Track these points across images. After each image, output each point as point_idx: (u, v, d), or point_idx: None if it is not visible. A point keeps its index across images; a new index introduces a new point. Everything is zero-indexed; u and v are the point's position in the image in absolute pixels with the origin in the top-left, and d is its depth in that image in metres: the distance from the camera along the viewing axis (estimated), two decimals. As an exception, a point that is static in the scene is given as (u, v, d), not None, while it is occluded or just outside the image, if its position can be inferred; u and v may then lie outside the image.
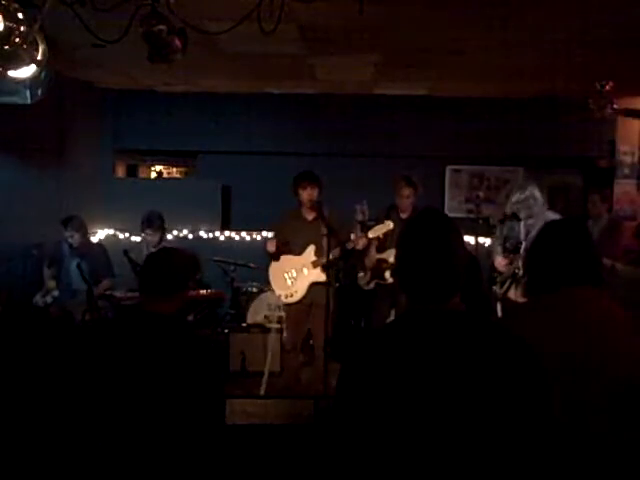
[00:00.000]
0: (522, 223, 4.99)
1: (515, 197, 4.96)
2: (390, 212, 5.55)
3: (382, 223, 5.15)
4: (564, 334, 1.98)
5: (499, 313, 4.99)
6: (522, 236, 4.97)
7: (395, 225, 5.12)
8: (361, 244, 5.17)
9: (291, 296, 5.22)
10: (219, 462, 2.43)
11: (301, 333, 5.46)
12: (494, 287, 5.07)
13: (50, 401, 3.40)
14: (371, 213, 5.77)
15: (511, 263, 5.00)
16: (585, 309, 2.05)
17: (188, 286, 2.65)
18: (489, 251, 5.46)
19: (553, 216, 4.95)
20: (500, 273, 5.12)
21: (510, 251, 5.06)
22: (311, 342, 5.62)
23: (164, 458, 2.35)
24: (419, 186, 5.48)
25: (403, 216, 5.45)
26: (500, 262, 5.15)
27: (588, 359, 1.95)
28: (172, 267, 2.57)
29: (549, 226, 2.30)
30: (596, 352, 1.96)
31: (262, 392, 5.33)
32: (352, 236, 5.59)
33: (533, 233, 4.87)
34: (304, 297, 5.20)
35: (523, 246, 4.89)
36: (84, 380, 2.49)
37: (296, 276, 5.21)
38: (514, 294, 4.97)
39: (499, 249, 5.23)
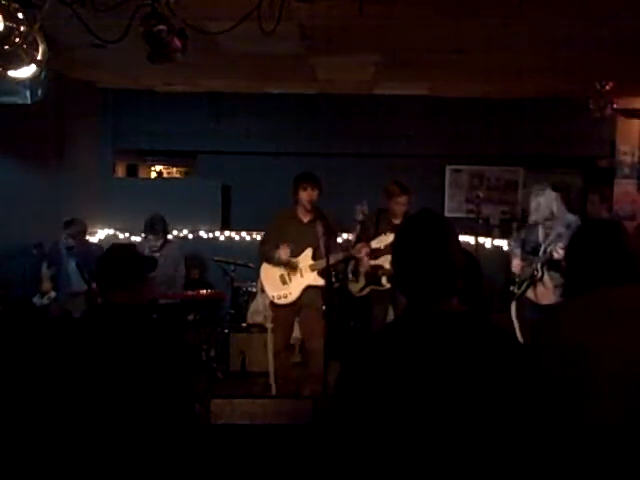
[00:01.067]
0: (540, 226, 5.04)
1: (535, 201, 4.99)
2: (380, 216, 5.54)
3: (385, 235, 5.10)
4: (604, 333, 1.99)
5: (513, 313, 5.01)
6: (541, 238, 5.02)
7: (388, 230, 5.12)
8: (364, 252, 5.15)
9: (285, 297, 5.16)
10: (186, 455, 2.45)
11: (289, 334, 5.44)
12: (512, 287, 5.09)
13: (36, 399, 3.43)
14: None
15: (530, 265, 5.02)
16: (624, 308, 2.05)
17: (142, 278, 2.70)
18: (507, 253, 5.48)
19: (572, 218, 4.98)
20: (518, 275, 5.15)
21: (529, 253, 5.09)
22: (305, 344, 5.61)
23: (129, 450, 2.37)
24: (412, 194, 5.49)
25: (396, 222, 5.44)
26: (517, 265, 5.18)
27: (628, 358, 1.95)
28: (123, 259, 2.66)
29: (585, 227, 2.31)
30: (636, 350, 1.97)
31: (273, 392, 5.33)
32: (347, 236, 5.57)
33: (553, 235, 4.91)
34: (297, 299, 5.16)
35: (542, 248, 4.93)
36: (44, 373, 2.58)
37: (291, 278, 5.16)
38: (533, 295, 5.02)
39: (517, 252, 5.25)
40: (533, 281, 4.98)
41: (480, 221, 6.61)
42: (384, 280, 5.45)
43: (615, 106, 6.33)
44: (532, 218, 5.06)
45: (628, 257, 2.12)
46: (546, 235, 5.00)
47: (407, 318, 1.72)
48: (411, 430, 1.57)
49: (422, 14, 4.57)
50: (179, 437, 2.46)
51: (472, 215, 6.85)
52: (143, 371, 2.43)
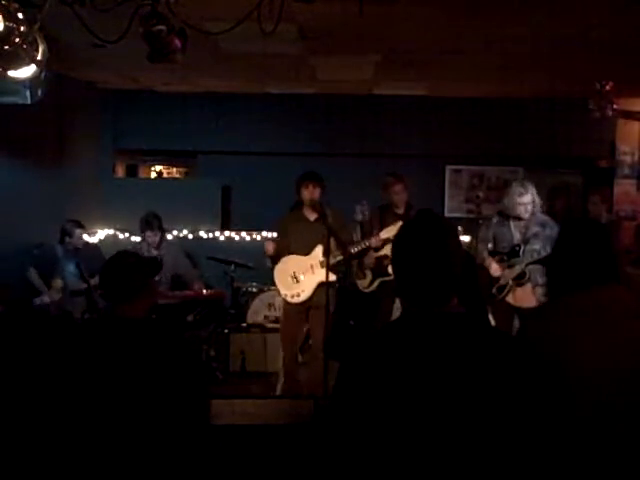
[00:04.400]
0: (512, 225, 4.96)
1: (521, 198, 4.86)
2: (384, 212, 5.54)
3: (393, 225, 5.11)
4: (590, 334, 1.98)
5: (490, 317, 4.94)
6: (517, 238, 4.92)
7: (393, 221, 5.12)
8: (374, 245, 5.17)
9: (298, 296, 5.17)
10: (202, 461, 2.43)
11: (298, 333, 5.44)
12: (494, 290, 4.93)
13: (39, 401, 3.41)
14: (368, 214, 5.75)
15: (510, 267, 4.92)
16: (611, 307, 2.05)
17: (148, 288, 2.65)
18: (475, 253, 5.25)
19: (543, 217, 4.95)
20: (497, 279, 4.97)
21: (507, 254, 4.95)
22: (310, 342, 5.62)
23: (144, 458, 2.36)
24: (407, 180, 5.48)
25: (399, 212, 5.45)
26: (496, 269, 4.95)
27: (613, 358, 1.95)
28: (125, 274, 2.58)
29: (568, 227, 2.31)
30: (624, 350, 1.96)
31: (278, 392, 5.32)
32: (354, 236, 5.57)
33: (529, 234, 4.86)
34: (310, 297, 5.18)
35: (522, 249, 4.84)
36: (55, 384, 2.55)
37: (304, 276, 5.18)
38: (511, 298, 4.89)
39: (486, 254, 5.06)
40: (520, 283, 4.85)
41: (480, 221, 6.60)
42: (390, 269, 5.42)
43: (616, 106, 6.32)
44: (524, 215, 4.85)
45: (612, 257, 2.13)
46: (522, 234, 4.89)
47: (407, 319, 1.73)
48: (409, 430, 1.57)
49: (422, 14, 4.57)
50: (197, 441, 2.45)
51: (472, 215, 6.85)
52: (156, 381, 2.40)
